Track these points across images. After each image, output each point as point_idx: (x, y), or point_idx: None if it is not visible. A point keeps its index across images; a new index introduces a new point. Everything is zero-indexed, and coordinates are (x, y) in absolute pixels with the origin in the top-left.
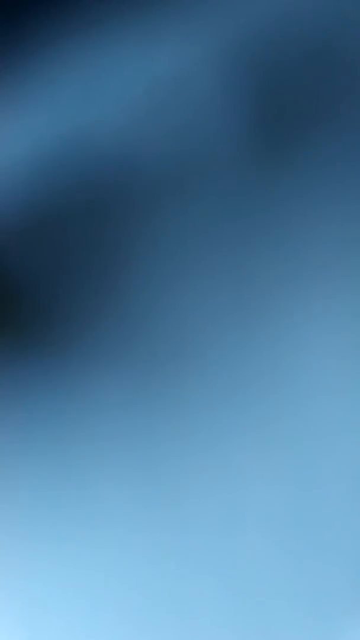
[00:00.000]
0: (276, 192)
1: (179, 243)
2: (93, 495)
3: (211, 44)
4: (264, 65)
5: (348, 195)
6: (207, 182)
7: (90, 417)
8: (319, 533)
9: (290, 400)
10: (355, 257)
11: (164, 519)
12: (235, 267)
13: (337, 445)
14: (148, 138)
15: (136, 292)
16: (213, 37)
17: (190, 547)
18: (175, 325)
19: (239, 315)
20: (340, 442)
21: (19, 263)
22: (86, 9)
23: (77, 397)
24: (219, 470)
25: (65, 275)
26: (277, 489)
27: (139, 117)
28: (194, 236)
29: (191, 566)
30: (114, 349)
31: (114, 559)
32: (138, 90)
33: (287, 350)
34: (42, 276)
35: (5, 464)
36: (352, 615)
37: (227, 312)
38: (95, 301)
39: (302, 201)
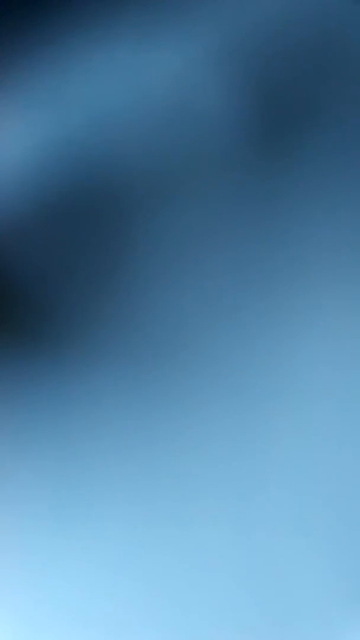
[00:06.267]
0: (276, 191)
1: (180, 242)
2: (94, 478)
3: (211, 44)
4: (264, 65)
5: (349, 195)
6: (208, 181)
7: (91, 413)
8: (341, 514)
9: (293, 394)
10: (355, 255)
11: (167, 512)
12: (236, 266)
13: (346, 431)
14: (148, 138)
15: (136, 290)
16: (212, 38)
17: (199, 536)
18: (175, 323)
19: (239, 313)
20: (349, 426)
21: (19, 261)
22: (82, 11)
23: (77, 394)
24: (221, 458)
25: (65, 273)
26: (282, 480)
27: (139, 117)
28: (195, 235)
29: (203, 549)
30: (114, 348)
31: (122, 536)
32: (138, 90)
33: (288, 347)
34: (42, 274)
35: (4, 462)
36: None
37: (227, 309)
38: (95, 300)
39: (303, 200)
